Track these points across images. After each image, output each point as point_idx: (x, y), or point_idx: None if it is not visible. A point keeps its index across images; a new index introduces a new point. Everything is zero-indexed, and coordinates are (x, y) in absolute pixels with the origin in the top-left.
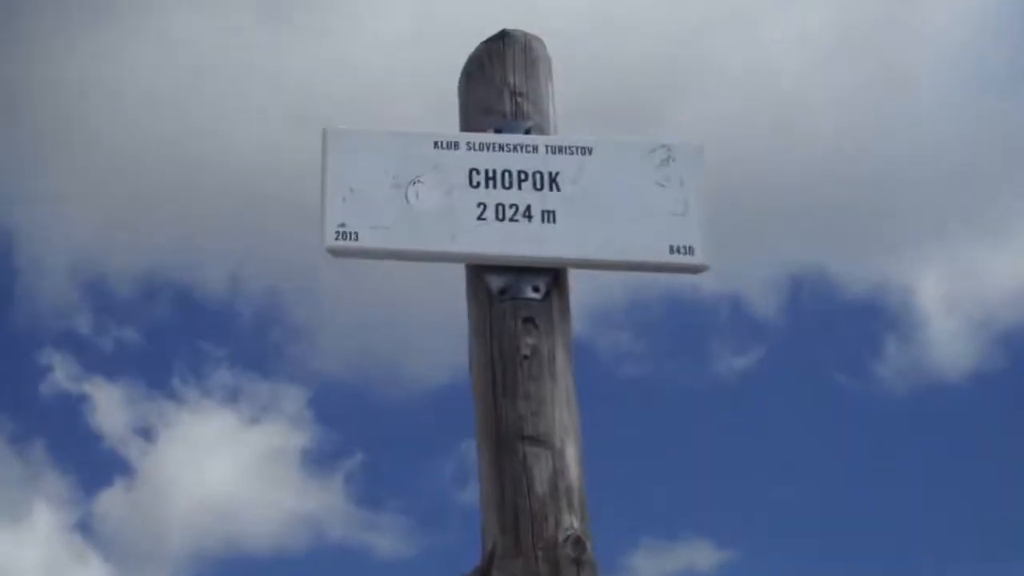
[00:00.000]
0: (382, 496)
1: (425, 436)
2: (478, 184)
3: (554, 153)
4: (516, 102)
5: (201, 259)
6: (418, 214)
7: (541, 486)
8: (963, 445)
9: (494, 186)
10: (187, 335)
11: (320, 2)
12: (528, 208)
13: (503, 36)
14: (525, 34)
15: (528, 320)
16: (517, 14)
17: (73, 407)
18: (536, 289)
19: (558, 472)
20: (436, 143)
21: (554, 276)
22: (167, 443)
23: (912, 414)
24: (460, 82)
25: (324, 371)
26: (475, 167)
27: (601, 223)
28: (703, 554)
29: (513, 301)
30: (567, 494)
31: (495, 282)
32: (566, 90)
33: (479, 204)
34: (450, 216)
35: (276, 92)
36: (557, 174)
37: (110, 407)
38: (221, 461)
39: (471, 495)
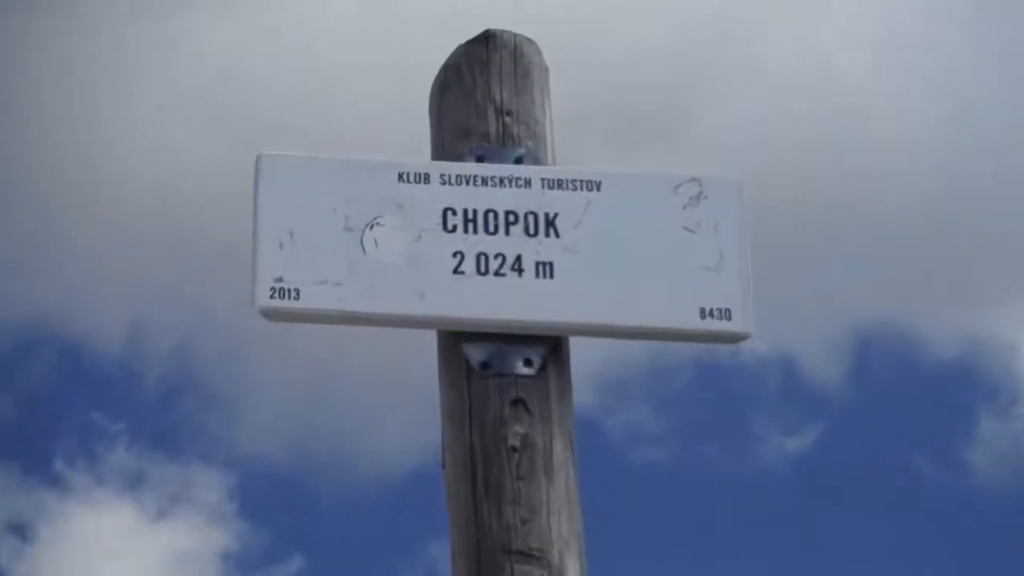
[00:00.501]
0: None
1: (382, 538)
2: (454, 228)
3: (552, 188)
4: (503, 123)
5: (93, 307)
6: (377, 266)
7: None
8: None
9: (475, 231)
10: (74, 404)
11: None
12: (518, 259)
13: (487, 38)
14: (515, 35)
15: (518, 402)
16: (505, 9)
17: None
18: (528, 363)
19: None
20: (401, 175)
21: (551, 346)
22: (48, 544)
23: (1014, 513)
24: (432, 97)
25: (252, 452)
26: (451, 206)
27: (612, 279)
28: None
29: (499, 378)
30: None
31: (475, 353)
32: (568, 103)
33: (455, 254)
34: (418, 269)
35: (199, 96)
36: (556, 216)
37: None
38: (119, 566)
39: None
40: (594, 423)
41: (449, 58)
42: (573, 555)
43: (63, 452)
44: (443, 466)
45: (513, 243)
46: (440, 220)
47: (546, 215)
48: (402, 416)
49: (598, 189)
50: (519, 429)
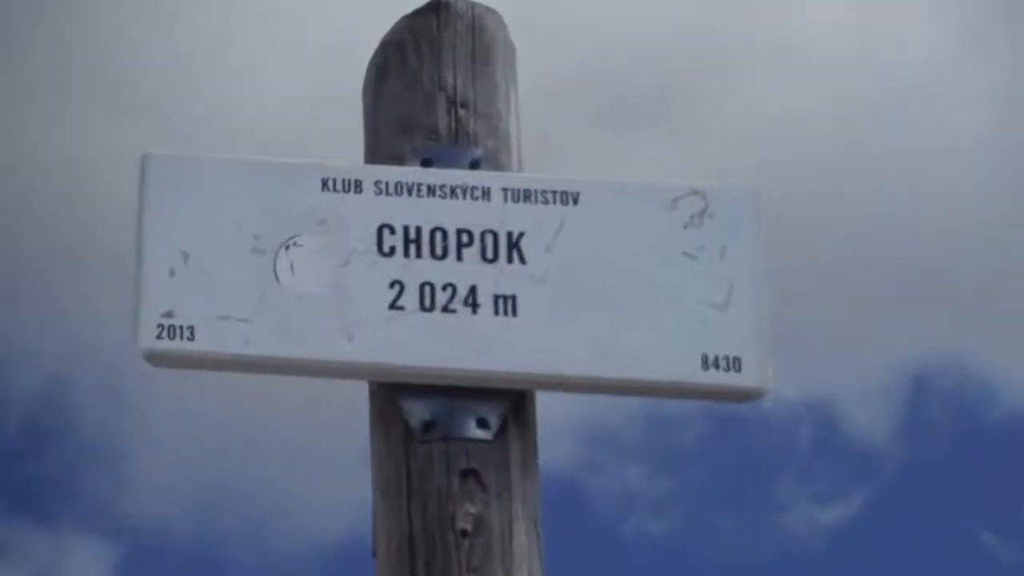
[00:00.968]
0: None
1: None
2: (392, 251)
3: (517, 201)
4: (457, 116)
5: None
6: (294, 299)
7: None
8: None
9: (418, 254)
10: None
11: None
12: (472, 292)
13: (438, 8)
14: (473, 5)
15: (469, 474)
16: None
17: None
18: (483, 424)
19: None
20: (326, 182)
21: (512, 403)
22: None
23: None
24: (366, 82)
25: (143, 517)
26: (388, 222)
27: (590, 318)
28: None
29: (445, 443)
30: None
31: (417, 411)
32: (547, 77)
33: (393, 284)
34: (346, 303)
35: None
36: (521, 236)
37: None
38: None
39: None
40: (576, 484)
41: (389, 33)
42: None
43: None
44: (374, 554)
45: (466, 271)
46: (374, 240)
47: (509, 235)
48: (333, 470)
49: (575, 202)
50: (471, 509)
